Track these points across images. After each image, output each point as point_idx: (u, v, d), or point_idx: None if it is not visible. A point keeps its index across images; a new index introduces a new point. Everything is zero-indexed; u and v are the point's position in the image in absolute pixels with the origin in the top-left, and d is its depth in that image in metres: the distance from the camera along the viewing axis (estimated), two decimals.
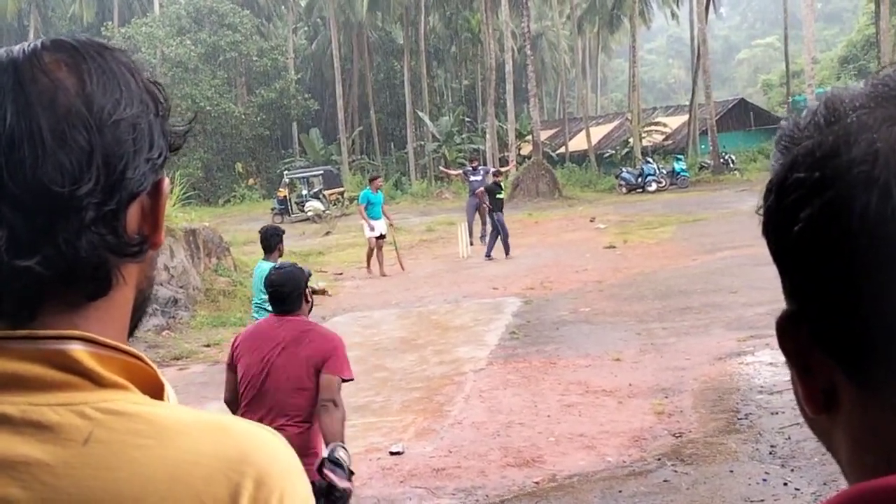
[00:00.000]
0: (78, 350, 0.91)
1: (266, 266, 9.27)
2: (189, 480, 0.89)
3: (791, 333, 0.67)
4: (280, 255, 9.76)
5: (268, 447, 0.96)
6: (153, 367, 0.99)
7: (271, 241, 9.69)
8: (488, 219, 23.06)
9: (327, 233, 32.58)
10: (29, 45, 0.97)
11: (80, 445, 0.89)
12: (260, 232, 9.99)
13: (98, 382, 0.92)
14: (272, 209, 41.49)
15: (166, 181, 1.01)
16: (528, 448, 7.88)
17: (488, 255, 21.66)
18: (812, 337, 0.65)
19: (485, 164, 28.60)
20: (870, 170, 0.60)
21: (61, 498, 0.87)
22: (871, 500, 0.60)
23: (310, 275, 5.53)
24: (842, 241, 0.61)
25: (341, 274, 21.05)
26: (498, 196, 22.79)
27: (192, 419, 0.95)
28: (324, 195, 41.73)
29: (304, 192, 42.64)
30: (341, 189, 44.57)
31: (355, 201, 27.36)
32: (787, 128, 0.71)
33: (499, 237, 21.86)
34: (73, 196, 0.89)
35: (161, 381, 0.99)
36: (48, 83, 0.92)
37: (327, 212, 39.37)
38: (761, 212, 0.73)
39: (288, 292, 5.19)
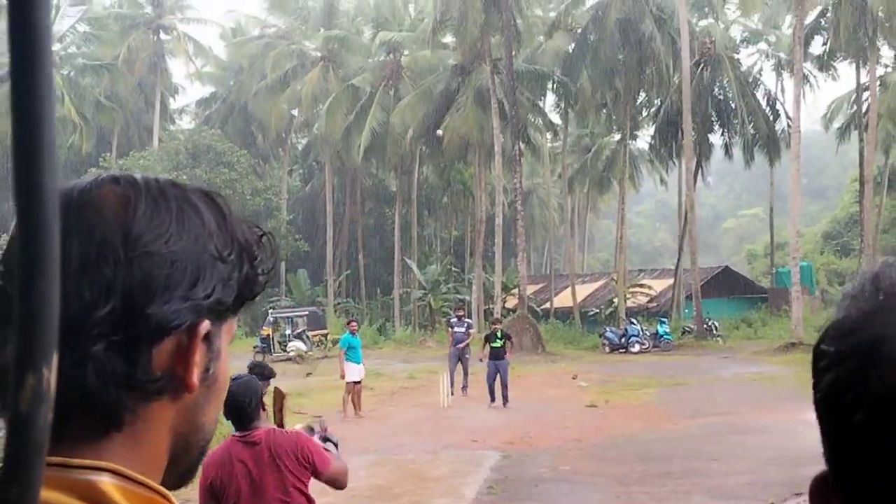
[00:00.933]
0: (107, 482, 0.89)
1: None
2: None
3: (822, 496, 0.68)
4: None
5: None
6: None
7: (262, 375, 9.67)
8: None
9: (308, 374, 32.36)
10: (95, 178, 0.98)
11: None
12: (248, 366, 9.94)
13: None
14: (254, 347, 41.28)
15: (205, 324, 0.97)
16: None
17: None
18: (841, 501, 0.65)
19: (469, 316, 28.70)
20: (877, 350, 0.62)
21: None
22: None
23: (266, 383, 5.63)
24: (852, 412, 0.62)
25: (320, 416, 20.83)
26: (493, 345, 22.98)
27: None
28: (307, 336, 41.65)
29: (288, 331, 42.57)
30: (325, 331, 44.50)
31: (337, 344, 27.42)
32: (848, 289, 0.73)
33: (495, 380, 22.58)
34: (84, 321, 0.89)
35: None
36: (92, 214, 0.92)
37: (310, 353, 39.24)
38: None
39: (248, 402, 5.21)
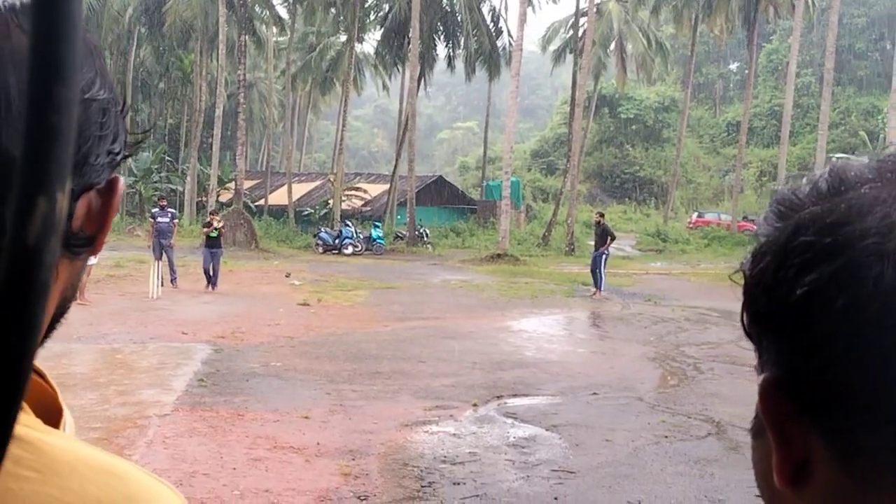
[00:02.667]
0: None
1: None
2: None
3: (775, 400, 0.66)
4: None
5: (161, 501, 0.85)
6: (55, 388, 0.89)
7: None
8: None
9: None
10: (5, 1, 0.82)
11: None
12: None
13: None
14: None
15: (121, 182, 0.91)
16: (212, 500, 7.68)
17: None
18: (797, 405, 0.65)
19: (174, 210, 27.97)
20: (883, 241, 0.61)
21: None
22: None
23: None
24: (849, 309, 0.61)
25: None
26: (211, 235, 24.67)
27: (86, 456, 0.83)
28: None
29: None
30: None
31: None
32: (785, 193, 0.72)
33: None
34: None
35: (61, 406, 0.89)
36: (23, 41, 0.78)
37: None
38: (739, 275, 0.72)
39: None
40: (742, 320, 0.71)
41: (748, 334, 0.71)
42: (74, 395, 11.38)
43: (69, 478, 0.81)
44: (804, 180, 0.71)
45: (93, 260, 19.93)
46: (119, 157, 0.91)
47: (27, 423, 0.83)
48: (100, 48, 0.91)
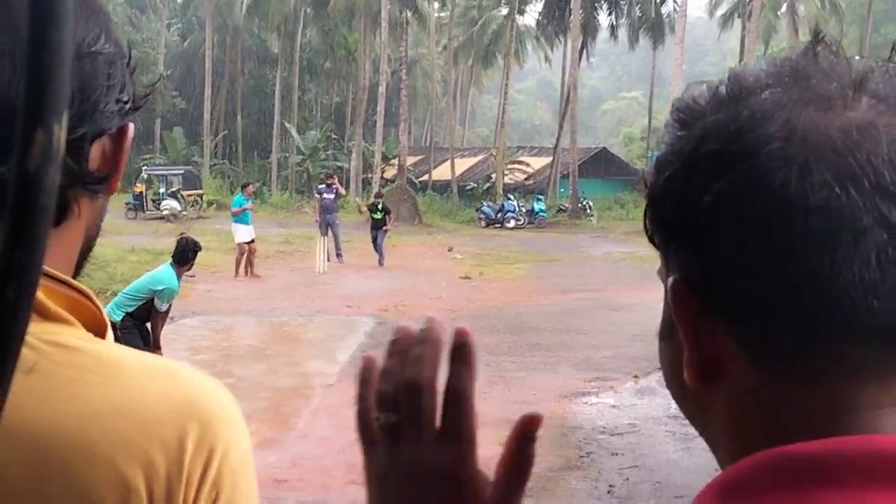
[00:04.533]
0: None
1: (172, 275, 9.18)
2: (136, 419, 0.88)
3: (686, 299, 0.69)
4: (189, 270, 9.65)
5: (215, 395, 0.95)
6: (99, 305, 0.97)
7: (189, 254, 9.57)
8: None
9: (182, 234, 31.87)
10: None
11: (24, 375, 0.84)
12: (178, 241, 9.82)
13: (44, 315, 0.90)
14: (127, 204, 40.31)
15: (131, 128, 1.01)
16: None
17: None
18: (706, 305, 0.67)
19: (348, 185, 28.66)
20: (785, 146, 0.64)
21: (2, 426, 0.85)
22: (774, 466, 0.63)
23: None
24: (756, 214, 0.63)
25: (194, 276, 20.64)
26: (375, 216, 25.00)
27: (138, 360, 0.94)
28: (182, 195, 40.85)
29: (162, 190, 41.66)
30: (200, 191, 43.81)
31: (213, 205, 27.14)
32: (684, 103, 0.73)
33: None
34: None
35: (105, 321, 0.97)
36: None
37: (184, 212, 38.59)
38: (643, 186, 0.74)
39: None
40: (645, 226, 0.74)
41: (651, 240, 0.74)
42: (244, 365, 11.82)
43: (130, 378, 0.90)
44: (704, 87, 0.73)
45: (244, 237, 20.81)
46: (128, 106, 1.00)
47: (82, 337, 0.92)
48: (104, 8, 1.00)
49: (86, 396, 0.88)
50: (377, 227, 24.96)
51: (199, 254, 10.10)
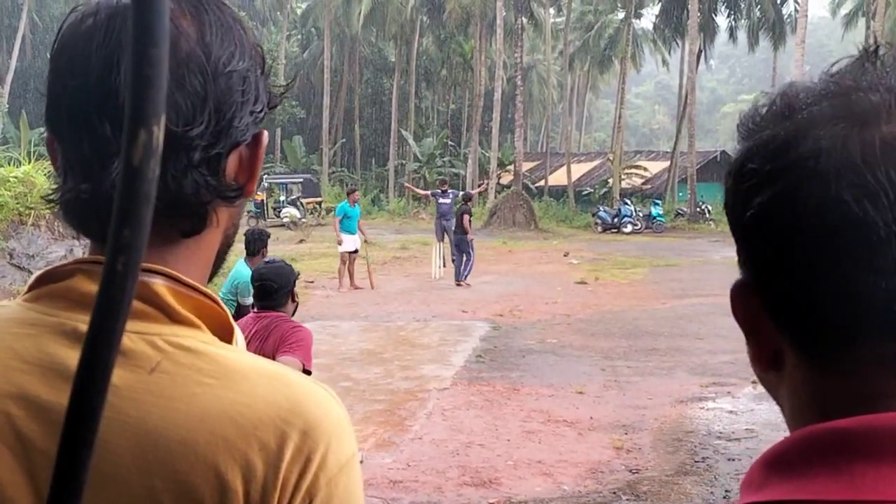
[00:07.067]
0: (159, 284, 0.97)
1: (244, 268, 9.23)
2: (240, 422, 0.94)
3: (742, 301, 0.77)
4: (263, 259, 9.67)
5: (321, 402, 0.99)
6: (226, 310, 1.04)
7: (256, 244, 9.60)
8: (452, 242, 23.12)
9: (301, 241, 32.50)
10: None
11: (147, 373, 0.94)
12: (245, 234, 9.82)
13: (172, 317, 0.97)
14: (248, 212, 41.23)
15: (265, 134, 1.08)
16: (486, 469, 7.92)
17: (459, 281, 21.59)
18: (762, 306, 0.75)
19: (455, 190, 28.30)
20: (814, 165, 0.69)
21: (121, 418, 0.92)
22: (814, 440, 0.71)
23: (298, 275, 5.57)
24: (789, 227, 0.70)
25: (312, 282, 21.03)
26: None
27: (254, 364, 0.99)
28: (301, 203, 41.68)
29: (282, 198, 42.60)
30: (319, 199, 44.55)
31: (332, 212, 27.16)
32: (748, 114, 0.79)
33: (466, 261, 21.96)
34: (185, 136, 0.96)
35: (231, 325, 1.04)
36: (172, 29, 0.94)
37: (303, 220, 39.34)
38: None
39: (277, 288, 5.25)
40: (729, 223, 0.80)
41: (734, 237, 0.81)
42: (361, 369, 11.98)
43: (242, 382, 0.96)
44: (766, 98, 0.78)
45: (343, 247, 19.90)
46: (262, 115, 1.07)
47: (205, 340, 0.99)
48: (240, 19, 1.07)
49: (199, 397, 0.94)
50: (458, 230, 22.23)
51: (316, 260, 10.14)
